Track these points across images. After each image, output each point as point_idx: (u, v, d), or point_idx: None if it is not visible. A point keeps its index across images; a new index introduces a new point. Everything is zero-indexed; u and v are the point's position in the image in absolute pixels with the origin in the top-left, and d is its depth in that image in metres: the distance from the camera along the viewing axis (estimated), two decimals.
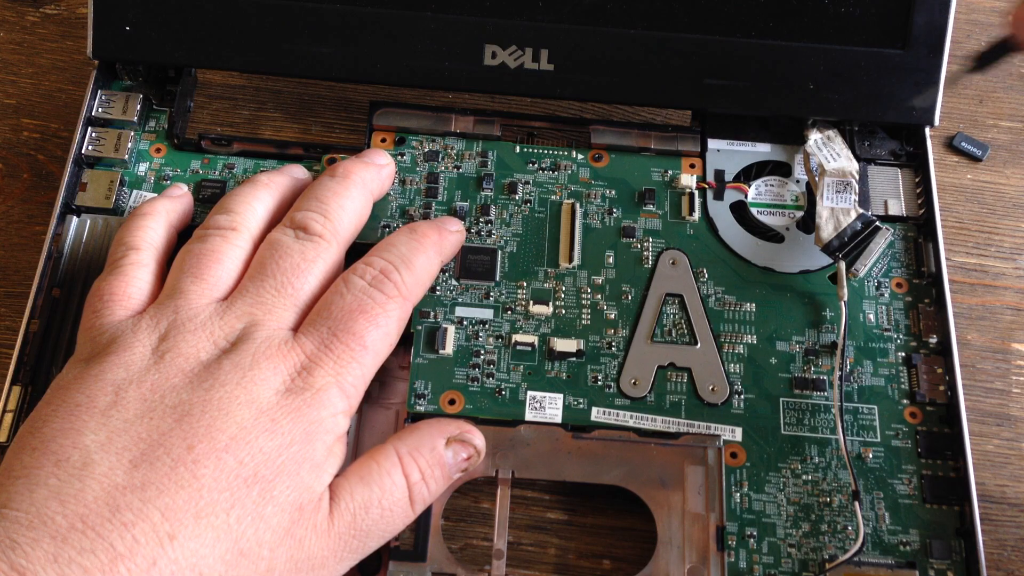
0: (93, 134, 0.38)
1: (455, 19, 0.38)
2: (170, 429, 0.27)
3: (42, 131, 0.41)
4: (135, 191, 0.37)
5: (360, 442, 0.34)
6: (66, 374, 0.29)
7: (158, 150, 0.39)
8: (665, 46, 0.38)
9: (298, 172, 0.37)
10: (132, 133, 0.38)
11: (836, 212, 0.37)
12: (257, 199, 0.34)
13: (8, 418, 0.32)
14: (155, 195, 0.37)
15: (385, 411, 0.35)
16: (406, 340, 0.35)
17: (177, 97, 0.39)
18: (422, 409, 0.34)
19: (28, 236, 0.38)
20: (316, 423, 0.28)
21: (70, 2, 0.44)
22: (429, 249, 0.33)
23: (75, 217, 0.36)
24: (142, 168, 0.38)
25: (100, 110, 0.38)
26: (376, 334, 0.30)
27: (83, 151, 0.37)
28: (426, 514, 0.31)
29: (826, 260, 0.37)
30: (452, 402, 0.34)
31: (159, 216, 0.34)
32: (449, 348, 0.35)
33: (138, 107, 0.38)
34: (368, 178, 0.35)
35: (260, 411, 0.28)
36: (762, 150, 0.40)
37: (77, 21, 0.43)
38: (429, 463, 0.30)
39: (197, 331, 0.30)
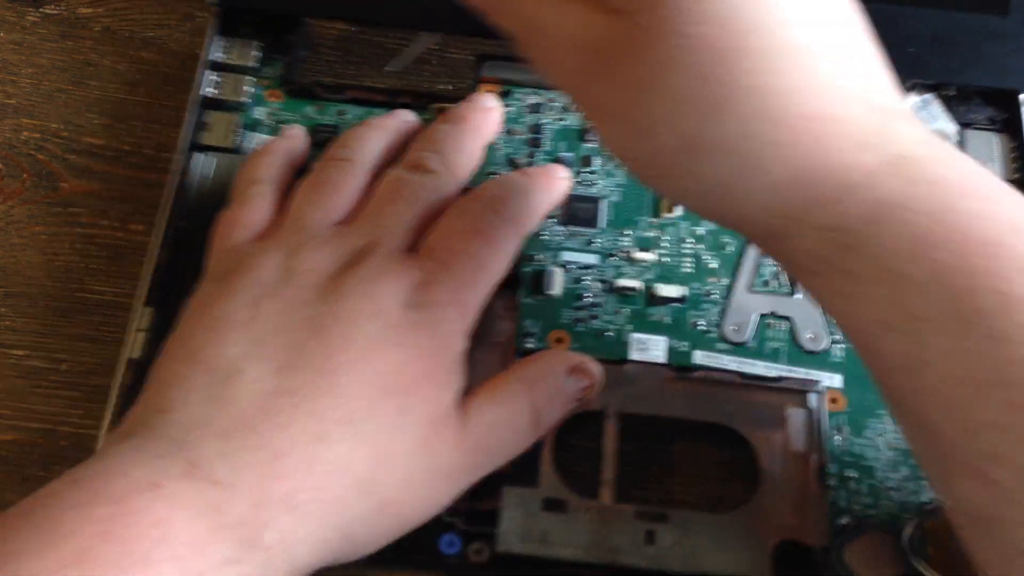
0: (214, 77, 0.39)
1: None
2: (307, 340, 0.28)
3: (42, 131, 0.41)
4: (253, 133, 0.39)
5: (471, 380, 0.35)
6: (204, 291, 0.31)
7: (274, 95, 0.40)
8: None
9: (407, 116, 0.38)
10: (250, 78, 0.39)
11: None
12: (371, 138, 0.36)
13: (142, 336, 0.34)
14: (273, 136, 0.38)
15: (491, 348, 0.36)
16: (508, 284, 0.36)
17: (293, 46, 0.40)
18: (531, 346, 0.35)
19: (28, 236, 0.39)
20: (438, 339, 0.30)
21: (70, 2, 0.44)
22: (541, 189, 0.35)
23: (200, 155, 0.38)
24: (259, 112, 0.40)
25: (220, 55, 0.40)
26: (492, 256, 0.32)
27: (204, 92, 0.39)
28: (537, 443, 0.33)
29: None
30: (559, 340, 0.35)
31: (278, 154, 0.36)
32: (557, 290, 0.36)
33: (255, 54, 0.40)
34: (479, 122, 0.36)
35: (387, 324, 0.29)
36: None
37: (77, 21, 0.44)
38: (553, 390, 0.31)
39: (321, 248, 0.31)
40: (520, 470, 0.32)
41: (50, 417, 0.36)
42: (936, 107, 0.40)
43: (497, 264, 0.33)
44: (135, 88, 0.42)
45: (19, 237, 0.39)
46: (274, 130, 0.39)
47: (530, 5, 0.26)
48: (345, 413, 0.27)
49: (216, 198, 0.37)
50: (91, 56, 0.43)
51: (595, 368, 0.32)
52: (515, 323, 0.35)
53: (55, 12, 0.44)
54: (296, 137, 0.37)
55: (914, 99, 0.40)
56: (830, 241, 0.24)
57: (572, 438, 0.33)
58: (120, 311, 0.37)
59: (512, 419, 0.30)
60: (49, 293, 0.38)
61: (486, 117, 0.37)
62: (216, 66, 0.40)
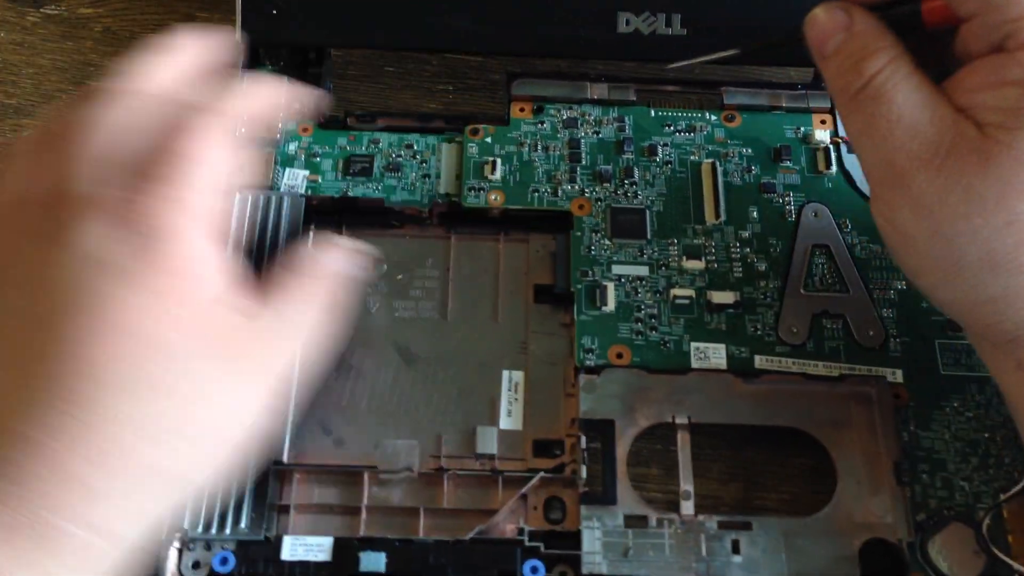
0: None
1: None
2: (28, 319, 0.26)
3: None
4: (288, 169, 0.38)
5: (531, 401, 0.35)
6: None
7: (305, 130, 0.40)
8: (795, 5, 0.39)
9: None
10: (280, 114, 0.39)
11: None
12: None
13: None
14: (307, 171, 0.38)
15: (552, 368, 0.35)
16: (562, 300, 0.36)
17: (322, 78, 0.40)
18: (591, 363, 0.34)
19: None
20: (158, 252, 0.26)
21: (70, 2, 0.44)
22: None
23: (237, 196, 0.37)
24: (292, 147, 0.39)
25: None
26: (198, 146, 0.28)
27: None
28: (611, 460, 0.32)
29: None
30: (620, 355, 0.35)
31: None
32: (611, 304, 0.35)
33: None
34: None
35: (95, 261, 0.26)
36: None
37: (77, 21, 0.44)
38: (332, 273, 0.30)
39: (29, 205, 0.28)
40: (597, 489, 0.32)
41: None
42: None
43: (207, 152, 0.28)
44: None
45: None
46: (308, 164, 0.39)
47: (886, 79, 0.27)
48: (92, 372, 0.25)
49: (263, 236, 0.36)
50: (91, 56, 0.43)
51: (362, 246, 0.32)
52: (572, 340, 0.35)
53: (56, 12, 0.44)
54: None
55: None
56: None
57: (645, 452, 0.33)
58: None
59: (301, 309, 0.29)
60: None
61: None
62: None
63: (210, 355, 0.27)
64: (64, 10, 0.44)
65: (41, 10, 0.44)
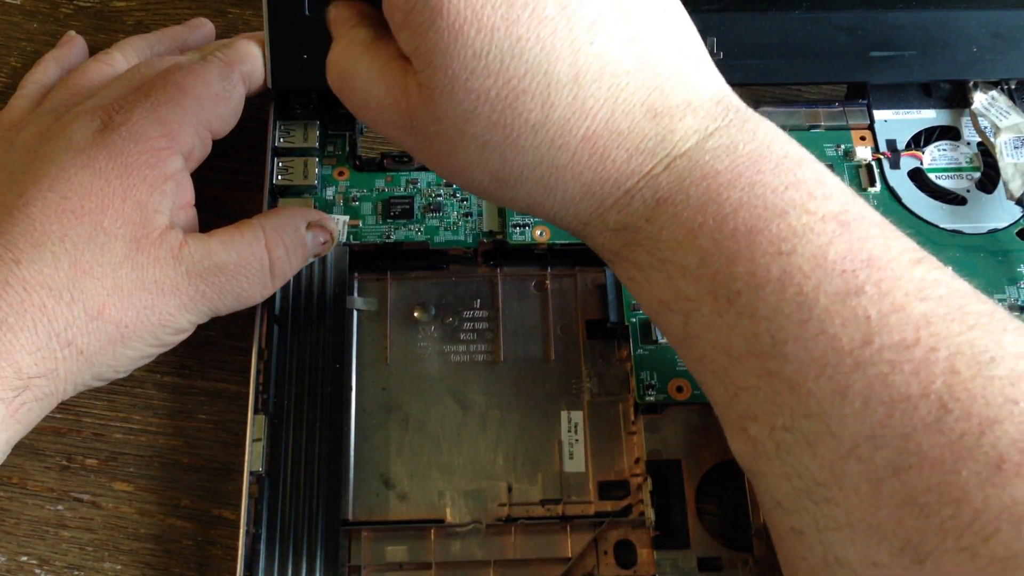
0: (280, 164, 0.38)
1: None
2: (5, 187, 0.31)
3: None
4: (329, 215, 0.38)
5: (592, 439, 0.34)
6: None
7: (341, 173, 0.39)
8: (829, 24, 0.39)
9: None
10: (316, 159, 0.39)
11: (1020, 167, 0.38)
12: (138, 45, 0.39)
13: (259, 446, 0.33)
14: (346, 216, 0.38)
15: (611, 406, 0.35)
16: (615, 334, 0.35)
17: (353, 120, 0.40)
18: (652, 399, 0.34)
19: None
20: (134, 155, 0.31)
21: None
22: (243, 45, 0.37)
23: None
24: (329, 192, 0.39)
25: (282, 140, 0.39)
26: (193, 80, 0.34)
27: (274, 181, 0.38)
28: (681, 502, 0.32)
29: (1012, 218, 0.38)
30: (680, 389, 0.34)
31: (48, 62, 0.39)
32: None
33: (317, 133, 0.39)
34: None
35: (77, 151, 0.31)
36: (927, 116, 0.40)
37: (111, 14, 0.43)
38: (292, 242, 0.34)
39: (42, 116, 0.34)
40: (669, 533, 0.32)
41: (73, 408, 0.36)
42: (1003, 102, 0.40)
43: (200, 88, 0.34)
44: None
45: None
46: (347, 209, 0.38)
47: (345, 65, 0.27)
48: (36, 238, 0.30)
49: (305, 287, 0.36)
50: None
51: (332, 224, 0.35)
52: (628, 376, 0.35)
53: (89, 5, 0.44)
54: (67, 44, 0.40)
55: (981, 97, 0.40)
56: (619, 238, 0.26)
57: (714, 493, 0.33)
58: None
59: (243, 262, 0.32)
60: None
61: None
62: (279, 152, 0.39)
63: (134, 273, 0.30)
64: (97, 2, 0.44)
65: (74, 2, 0.44)
